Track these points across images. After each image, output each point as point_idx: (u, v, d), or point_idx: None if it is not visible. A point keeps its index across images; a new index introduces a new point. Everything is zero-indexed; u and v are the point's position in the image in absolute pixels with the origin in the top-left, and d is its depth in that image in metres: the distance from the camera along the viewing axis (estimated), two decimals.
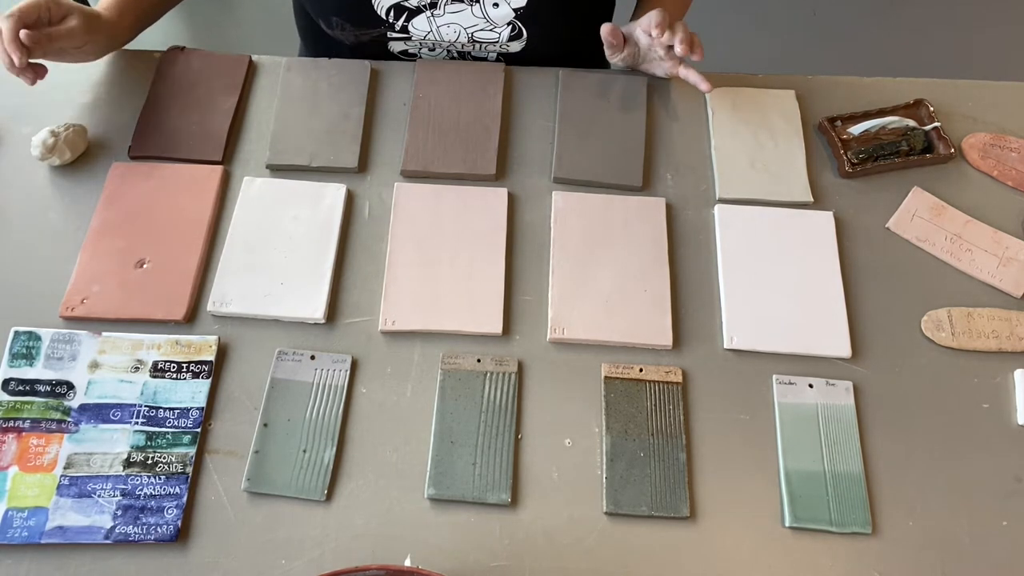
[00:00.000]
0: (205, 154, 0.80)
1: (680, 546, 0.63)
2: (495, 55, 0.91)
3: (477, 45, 0.88)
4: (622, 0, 1.04)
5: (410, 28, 0.85)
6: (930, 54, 1.97)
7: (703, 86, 0.79)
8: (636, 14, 0.90)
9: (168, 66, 0.85)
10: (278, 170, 0.80)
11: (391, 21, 0.85)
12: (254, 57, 0.87)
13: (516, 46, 0.88)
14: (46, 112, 0.82)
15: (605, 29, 0.80)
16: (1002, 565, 0.63)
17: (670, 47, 0.78)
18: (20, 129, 0.81)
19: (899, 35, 2.01)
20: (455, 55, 0.91)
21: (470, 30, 0.85)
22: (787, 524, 0.64)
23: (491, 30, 0.85)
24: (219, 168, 0.79)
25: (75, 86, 0.84)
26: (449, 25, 0.84)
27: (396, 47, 0.90)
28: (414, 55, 0.92)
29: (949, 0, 2.07)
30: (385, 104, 0.85)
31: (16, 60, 0.69)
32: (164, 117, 0.82)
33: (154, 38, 0.89)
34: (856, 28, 2.03)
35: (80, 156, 0.79)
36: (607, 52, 0.84)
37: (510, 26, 0.85)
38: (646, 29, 0.77)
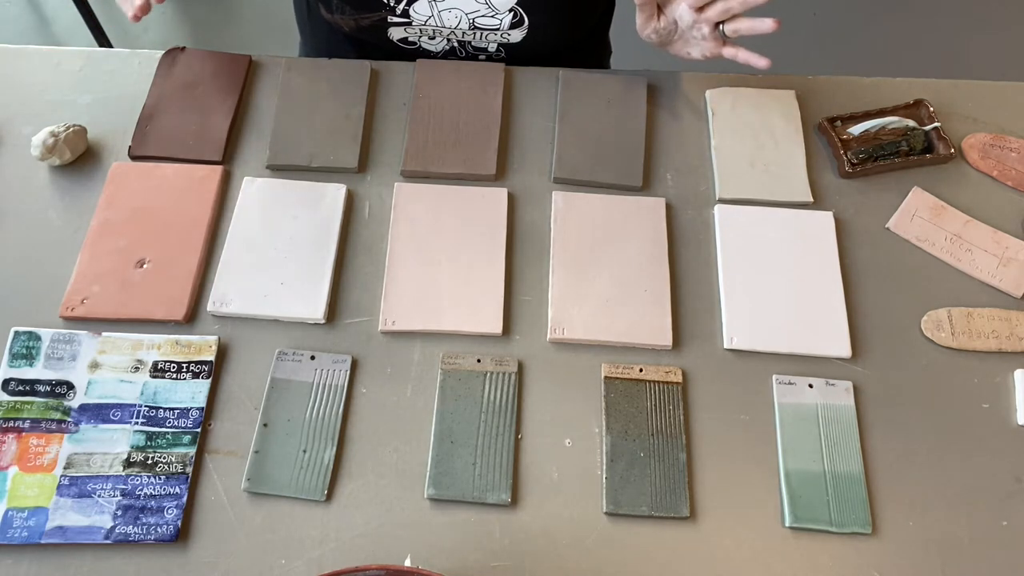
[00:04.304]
0: (205, 154, 0.80)
1: (680, 546, 0.63)
2: (495, 44, 0.90)
3: (478, 32, 0.87)
4: (621, 2, 1.05)
5: (411, 12, 0.85)
6: (930, 54, 1.98)
7: (760, 63, 0.72)
8: None
9: (168, 66, 0.85)
10: (278, 170, 0.80)
11: (392, 5, 0.84)
12: (254, 57, 0.87)
13: (517, 34, 0.88)
14: (46, 112, 0.82)
15: None
16: (1002, 565, 0.63)
17: (716, 25, 0.73)
18: (20, 129, 0.81)
19: (899, 35, 2.02)
20: (455, 44, 0.91)
21: (471, 16, 0.84)
22: (787, 524, 0.64)
23: (492, 16, 0.84)
24: (219, 168, 0.79)
25: (75, 86, 0.84)
26: (450, 10, 0.84)
27: (396, 33, 0.89)
28: (414, 43, 0.91)
29: (949, 0, 2.07)
30: (385, 104, 0.85)
31: None
32: (164, 117, 0.82)
33: (154, 38, 0.89)
34: (856, 28, 2.03)
35: (80, 156, 0.79)
36: (639, 20, 0.77)
37: (512, 12, 0.84)
38: (693, 5, 0.72)
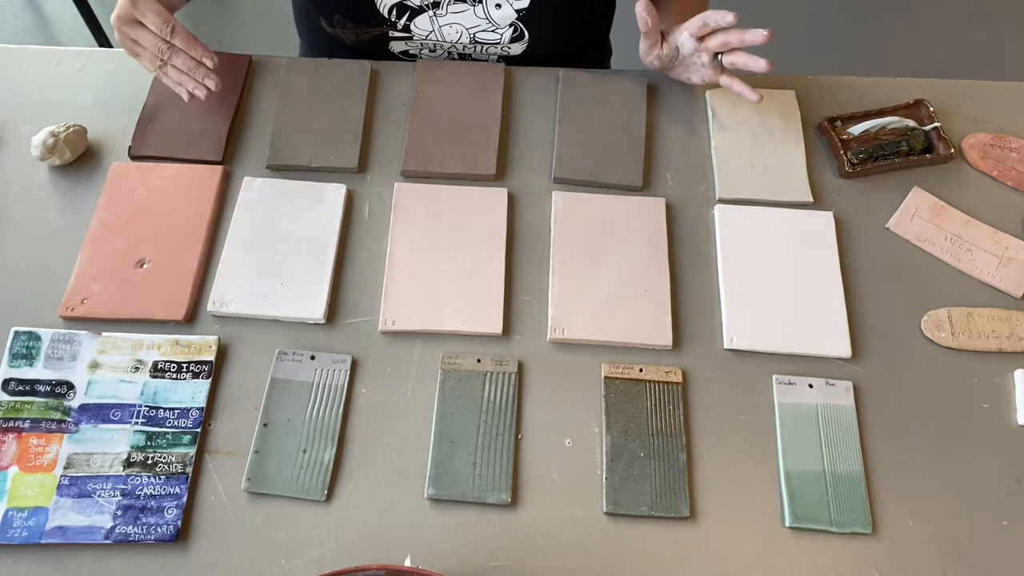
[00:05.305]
0: (205, 154, 0.80)
1: (680, 546, 0.63)
2: (496, 57, 0.91)
3: (478, 46, 0.88)
4: (621, 4, 1.05)
5: (412, 27, 0.85)
6: (930, 54, 1.97)
7: (751, 96, 0.76)
8: (665, 18, 0.84)
9: None
10: (278, 170, 0.80)
11: (393, 20, 0.84)
12: (254, 57, 0.87)
13: (517, 48, 0.88)
14: (46, 112, 0.82)
15: (641, 4, 0.74)
16: (1002, 565, 0.63)
17: (715, 55, 0.76)
18: (20, 129, 0.81)
19: (899, 35, 2.01)
20: (456, 56, 0.91)
21: (472, 31, 0.85)
22: (787, 524, 0.64)
23: (493, 31, 0.85)
24: (219, 168, 0.79)
25: (75, 86, 0.84)
26: (451, 25, 0.84)
27: (397, 47, 0.90)
28: (415, 56, 0.92)
29: (949, 0, 2.07)
30: (385, 104, 0.85)
31: (211, 59, 0.74)
32: (164, 117, 0.82)
33: None
34: (856, 28, 2.03)
35: (80, 156, 0.79)
36: (643, 47, 0.80)
37: (512, 27, 0.85)
38: (695, 34, 0.75)
